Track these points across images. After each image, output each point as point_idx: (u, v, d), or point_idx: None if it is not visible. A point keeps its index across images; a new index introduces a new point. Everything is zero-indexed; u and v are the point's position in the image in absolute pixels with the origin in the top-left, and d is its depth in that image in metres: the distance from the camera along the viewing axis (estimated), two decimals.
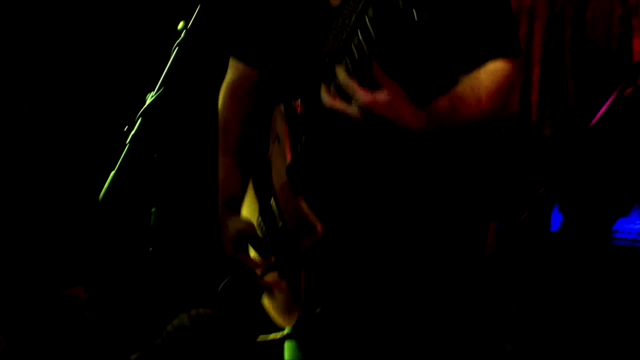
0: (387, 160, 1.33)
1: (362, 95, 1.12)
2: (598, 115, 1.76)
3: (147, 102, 1.48)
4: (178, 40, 1.52)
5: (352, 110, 1.13)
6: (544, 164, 2.37)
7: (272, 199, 1.44)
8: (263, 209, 1.51)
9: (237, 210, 1.57)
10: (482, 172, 1.41)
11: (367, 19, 1.05)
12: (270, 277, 1.49)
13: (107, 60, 3.35)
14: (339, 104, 1.14)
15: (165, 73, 1.50)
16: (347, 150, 1.31)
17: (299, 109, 1.38)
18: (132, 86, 1.81)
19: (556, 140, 2.67)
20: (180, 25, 1.53)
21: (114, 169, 1.43)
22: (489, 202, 1.51)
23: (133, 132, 1.46)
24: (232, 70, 1.63)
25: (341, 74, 1.13)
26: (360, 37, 1.07)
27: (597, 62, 2.51)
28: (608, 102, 1.79)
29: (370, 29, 1.05)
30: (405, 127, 1.16)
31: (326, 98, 1.15)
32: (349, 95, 1.13)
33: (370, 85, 1.12)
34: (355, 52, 1.10)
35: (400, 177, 1.33)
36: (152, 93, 1.49)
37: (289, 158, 1.36)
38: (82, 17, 3.46)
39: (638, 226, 2.19)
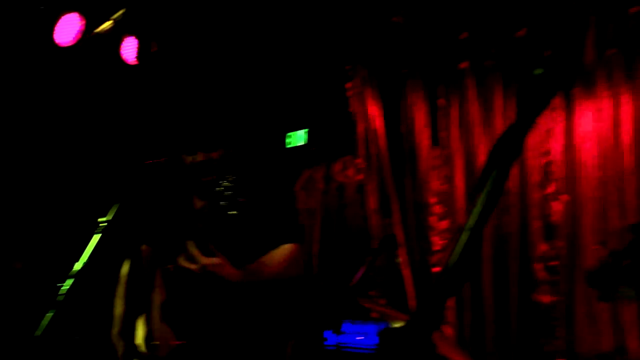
0: (219, 299, 2.05)
1: (202, 259, 1.95)
2: (357, 278, 2.70)
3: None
4: (99, 229, 2.30)
5: (194, 267, 1.95)
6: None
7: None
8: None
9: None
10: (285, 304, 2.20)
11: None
12: None
13: None
14: (186, 264, 1.97)
15: (90, 255, 2.24)
16: (193, 296, 2.08)
17: (171, 269, 2.15)
18: None
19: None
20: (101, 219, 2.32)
21: None
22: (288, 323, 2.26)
23: None
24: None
25: (190, 247, 1.96)
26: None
27: (353, 239, 3.84)
28: (362, 270, 2.75)
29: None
30: (227, 278, 1.96)
31: (181, 261, 1.99)
32: (194, 259, 1.94)
33: (208, 254, 1.95)
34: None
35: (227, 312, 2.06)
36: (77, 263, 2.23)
37: (163, 297, 2.16)
38: None
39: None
